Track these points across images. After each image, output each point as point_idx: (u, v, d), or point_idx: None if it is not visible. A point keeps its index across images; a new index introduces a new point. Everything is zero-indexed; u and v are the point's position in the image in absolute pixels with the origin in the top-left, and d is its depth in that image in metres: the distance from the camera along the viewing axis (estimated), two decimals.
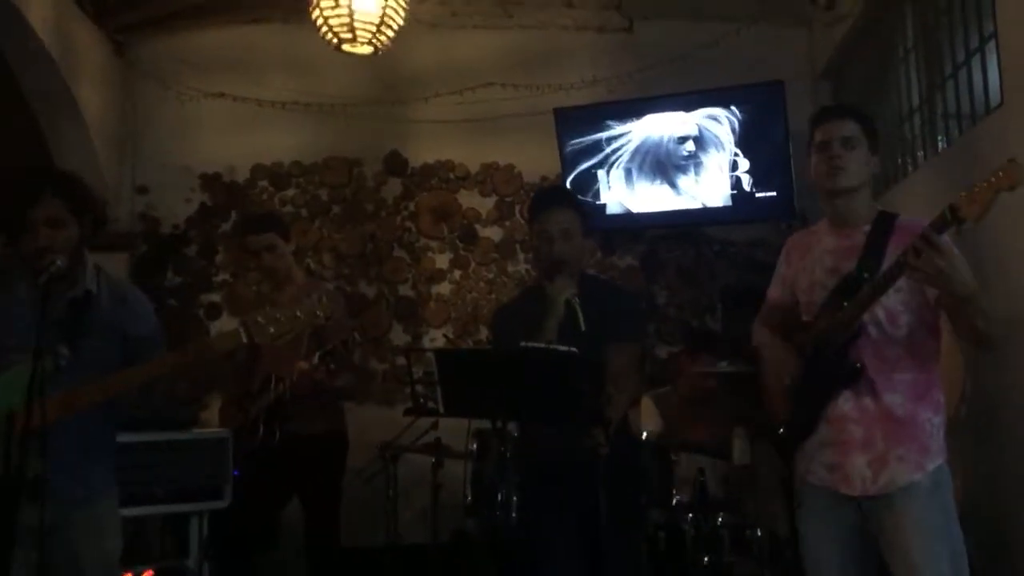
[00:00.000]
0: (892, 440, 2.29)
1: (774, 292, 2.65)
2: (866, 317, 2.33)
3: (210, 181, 5.28)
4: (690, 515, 3.54)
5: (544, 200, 2.99)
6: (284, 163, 5.30)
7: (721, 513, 3.56)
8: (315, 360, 3.34)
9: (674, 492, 3.57)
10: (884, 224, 2.38)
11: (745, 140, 4.71)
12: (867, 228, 2.40)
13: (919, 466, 2.27)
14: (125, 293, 2.49)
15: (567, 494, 2.68)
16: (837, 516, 2.36)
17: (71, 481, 2.26)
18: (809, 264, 2.53)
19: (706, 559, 3.50)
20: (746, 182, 4.75)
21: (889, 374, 2.32)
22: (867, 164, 2.44)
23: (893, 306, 2.31)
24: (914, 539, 2.22)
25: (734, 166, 4.75)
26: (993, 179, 2.04)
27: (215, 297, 5.20)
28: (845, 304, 2.34)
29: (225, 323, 5.10)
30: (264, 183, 5.30)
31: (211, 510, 3.35)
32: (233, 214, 5.25)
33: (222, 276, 5.23)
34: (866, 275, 2.30)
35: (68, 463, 2.24)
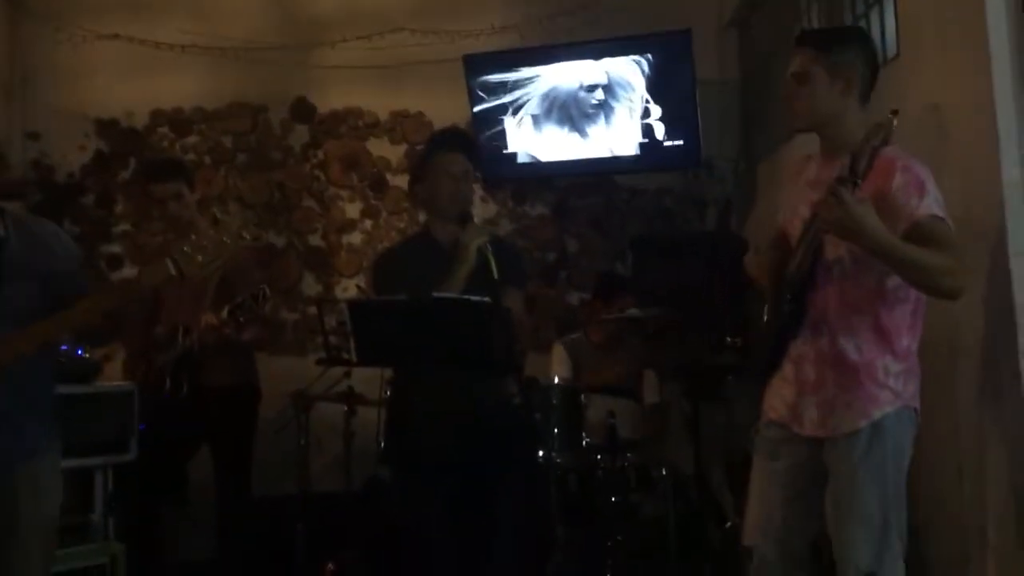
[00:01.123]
0: (841, 385, 2.28)
1: (777, 217, 2.58)
2: (832, 256, 2.28)
3: (106, 127, 5.08)
4: (599, 457, 3.63)
5: (444, 141, 2.98)
6: (185, 109, 5.14)
7: (629, 454, 3.67)
8: (224, 314, 3.28)
9: (584, 435, 3.66)
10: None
11: (655, 88, 4.75)
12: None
13: (864, 414, 2.25)
14: (36, 229, 2.37)
15: (472, 444, 2.71)
16: (790, 452, 2.38)
17: (11, 436, 2.18)
18: (795, 192, 2.47)
19: (613, 499, 3.61)
20: (658, 130, 4.78)
21: (849, 317, 2.29)
22: (830, 93, 2.31)
23: (857, 249, 2.22)
24: (845, 484, 2.25)
25: (646, 113, 4.78)
26: (869, 135, 2.07)
27: (116, 248, 5.05)
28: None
29: (127, 274, 4.95)
30: (164, 129, 5.13)
31: (116, 464, 3.28)
32: (132, 162, 5.07)
33: (122, 226, 5.06)
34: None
35: (6, 417, 2.16)
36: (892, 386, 2.28)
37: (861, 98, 2.36)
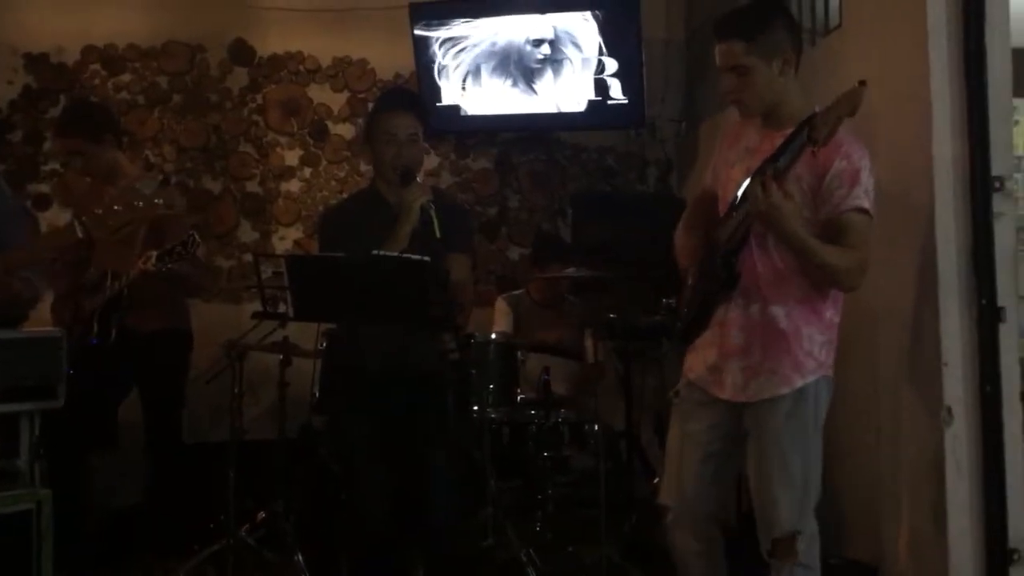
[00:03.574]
0: (768, 352, 2.35)
1: (706, 177, 2.63)
2: (762, 227, 2.32)
3: (35, 62, 4.89)
4: (533, 412, 3.69)
5: (392, 101, 2.95)
6: (119, 46, 4.97)
7: (562, 410, 3.73)
8: (152, 261, 3.24)
9: (518, 391, 3.71)
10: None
11: (607, 44, 4.72)
12: (790, 132, 2.27)
13: (787, 381, 2.33)
14: None
15: (406, 397, 2.74)
16: (707, 414, 2.46)
17: None
18: (732, 157, 2.49)
19: (546, 453, 3.68)
20: (613, 86, 4.75)
21: (779, 287, 2.35)
22: (771, 77, 2.33)
23: None
24: (770, 448, 2.35)
25: (600, 69, 4.75)
26: (837, 105, 2.12)
27: (44, 187, 4.89)
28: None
29: (56, 214, 4.81)
30: (96, 67, 4.95)
31: (43, 410, 3.23)
32: (62, 99, 4.90)
33: (51, 165, 4.90)
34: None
35: None
36: (816, 355, 2.37)
37: (796, 68, 2.40)
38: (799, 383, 2.34)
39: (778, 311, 2.35)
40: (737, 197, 2.36)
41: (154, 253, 3.25)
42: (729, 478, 2.57)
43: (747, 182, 2.29)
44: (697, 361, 2.50)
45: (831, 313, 2.41)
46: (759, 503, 2.38)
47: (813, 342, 2.36)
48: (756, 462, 2.39)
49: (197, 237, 3.30)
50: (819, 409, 2.38)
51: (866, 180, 2.30)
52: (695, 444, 2.47)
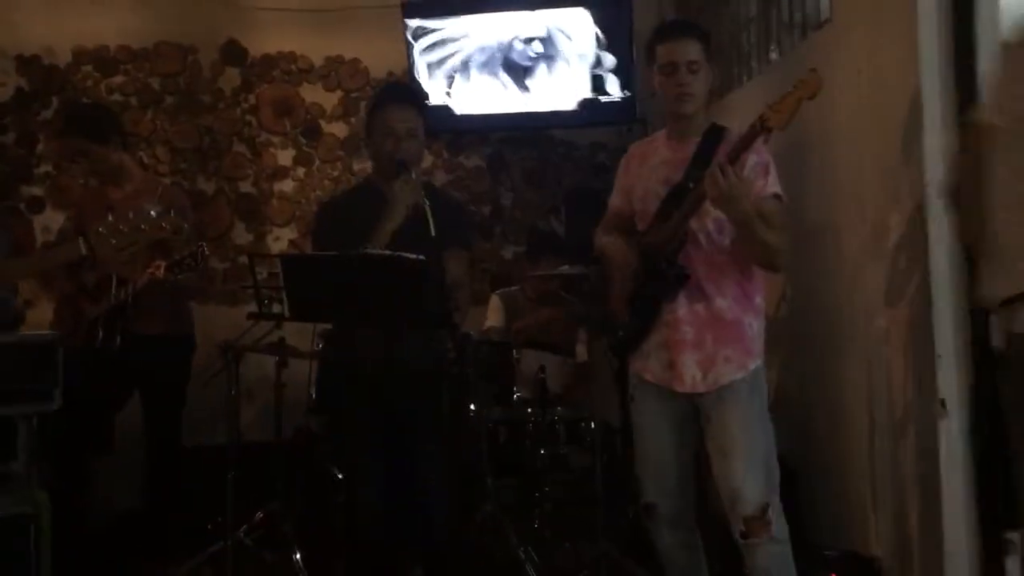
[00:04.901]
0: (720, 342, 2.52)
1: (615, 201, 2.80)
2: (696, 226, 2.52)
3: (27, 64, 4.88)
4: (529, 410, 3.69)
5: (391, 95, 2.95)
6: (110, 47, 4.96)
7: (558, 407, 3.73)
8: (161, 272, 3.24)
9: (515, 389, 3.71)
10: (713, 136, 2.55)
11: (602, 40, 4.72)
12: (698, 140, 2.56)
13: (742, 366, 2.51)
14: None
15: (402, 397, 2.74)
16: (670, 408, 2.59)
17: None
18: (645, 173, 2.68)
19: (543, 451, 3.68)
20: (610, 82, 4.76)
21: (718, 280, 2.53)
22: (707, 82, 2.60)
23: (720, 217, 2.49)
24: (735, 429, 2.49)
25: (597, 63, 4.75)
26: (795, 89, 2.28)
27: (37, 190, 4.88)
28: (674, 213, 2.50)
29: (49, 217, 4.81)
30: (88, 68, 4.95)
31: (39, 413, 3.22)
32: (55, 101, 4.89)
33: (44, 167, 4.90)
34: (691, 185, 2.47)
35: None
36: (757, 340, 2.56)
37: None
38: (752, 365, 2.53)
39: (722, 303, 2.53)
40: (667, 202, 2.55)
41: (163, 263, 3.25)
42: (695, 467, 2.70)
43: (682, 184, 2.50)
44: (651, 362, 2.62)
45: (759, 299, 2.59)
46: (727, 484, 2.50)
47: (752, 328, 2.55)
48: (720, 444, 2.52)
49: (206, 249, 3.31)
50: (764, 391, 2.56)
51: (774, 171, 2.52)
52: (667, 439, 2.61)
